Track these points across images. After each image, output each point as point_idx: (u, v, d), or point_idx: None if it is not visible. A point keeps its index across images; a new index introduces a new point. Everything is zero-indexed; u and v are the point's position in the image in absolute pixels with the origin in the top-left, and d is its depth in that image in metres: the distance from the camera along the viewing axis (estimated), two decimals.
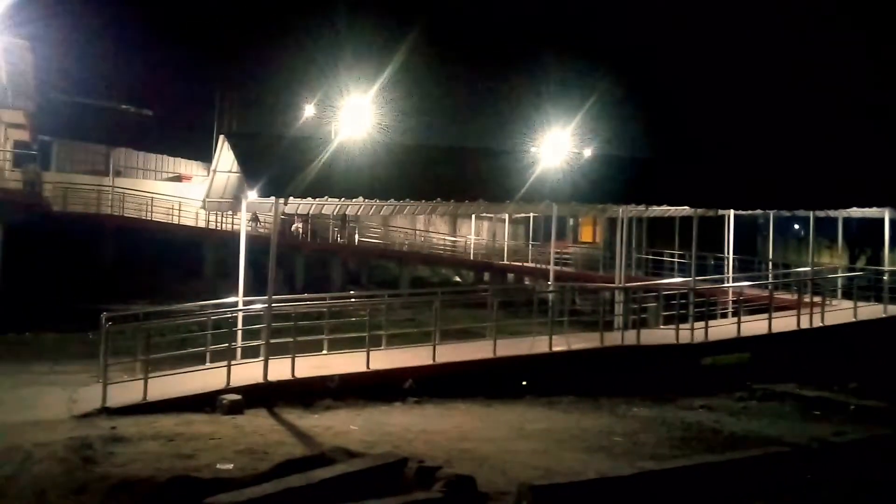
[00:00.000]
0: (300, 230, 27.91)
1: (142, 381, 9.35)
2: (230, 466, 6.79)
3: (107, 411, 8.82)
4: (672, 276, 20.86)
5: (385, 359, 11.33)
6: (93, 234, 24.47)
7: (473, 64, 36.62)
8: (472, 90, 36.44)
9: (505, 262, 29.73)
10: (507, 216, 28.80)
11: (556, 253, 17.68)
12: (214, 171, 12.31)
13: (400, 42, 31.93)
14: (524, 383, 11.34)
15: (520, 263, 29.20)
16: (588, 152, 18.38)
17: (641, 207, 15.95)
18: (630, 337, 12.92)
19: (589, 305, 19.37)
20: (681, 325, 13.44)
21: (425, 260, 30.36)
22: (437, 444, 8.03)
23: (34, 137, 23.95)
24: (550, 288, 15.33)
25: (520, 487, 5.72)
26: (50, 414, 8.89)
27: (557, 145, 15.00)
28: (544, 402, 10.92)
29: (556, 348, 12.27)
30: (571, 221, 31.88)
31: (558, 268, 19.47)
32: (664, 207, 16.15)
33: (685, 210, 15.87)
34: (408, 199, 13.09)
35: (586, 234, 33.07)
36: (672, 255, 23.28)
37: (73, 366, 11.97)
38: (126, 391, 9.33)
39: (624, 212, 15.71)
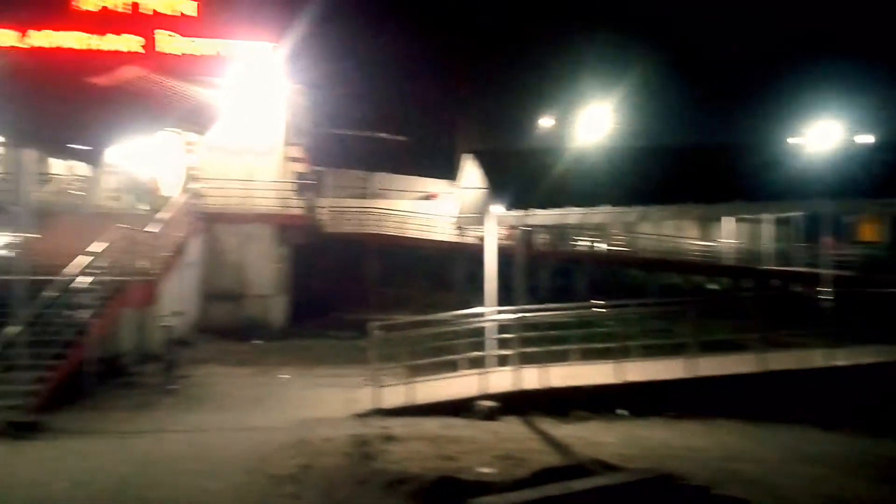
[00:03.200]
0: (541, 240, 28.22)
1: (407, 385, 10.11)
2: (490, 470, 7.03)
3: (379, 412, 9.65)
4: None
5: (637, 370, 10.94)
6: (358, 251, 27.16)
7: (718, 59, 34.34)
8: (717, 86, 34.16)
9: (768, 266, 27.19)
10: (768, 216, 26.33)
11: (831, 255, 15.78)
12: (463, 187, 12.95)
13: (638, 44, 31.03)
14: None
15: (785, 268, 26.50)
16: (865, 140, 16.13)
17: None
18: None
19: (874, 315, 16.84)
20: None
21: (675, 267, 28.88)
22: (702, 463, 7.54)
23: (310, 169, 27.34)
24: (825, 294, 13.64)
25: None
26: (332, 412, 10.00)
27: (826, 135, 13.36)
28: (823, 423, 9.72)
29: (836, 362, 10.88)
30: (847, 218, 28.19)
31: (833, 271, 17.29)
32: None
33: None
34: (654, 205, 12.56)
35: (867, 233, 29.02)
36: None
37: (347, 369, 13.28)
38: (393, 394, 10.11)
39: None
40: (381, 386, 10.06)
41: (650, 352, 12.08)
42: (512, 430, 9.19)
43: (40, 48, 19.72)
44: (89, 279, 11.19)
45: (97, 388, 10.73)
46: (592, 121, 29.18)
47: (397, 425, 8.95)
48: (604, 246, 29.74)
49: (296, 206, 21.78)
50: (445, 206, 27.74)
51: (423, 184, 32.30)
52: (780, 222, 28.73)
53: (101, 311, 11.46)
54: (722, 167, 12.60)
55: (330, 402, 10.77)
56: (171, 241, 15.52)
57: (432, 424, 9.11)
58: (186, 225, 16.93)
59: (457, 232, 24.73)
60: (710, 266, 28.92)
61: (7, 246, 14.22)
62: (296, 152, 24.17)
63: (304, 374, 13.34)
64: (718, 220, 28.77)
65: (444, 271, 27.20)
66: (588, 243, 29.59)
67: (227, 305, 18.88)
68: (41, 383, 9.51)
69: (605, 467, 6.66)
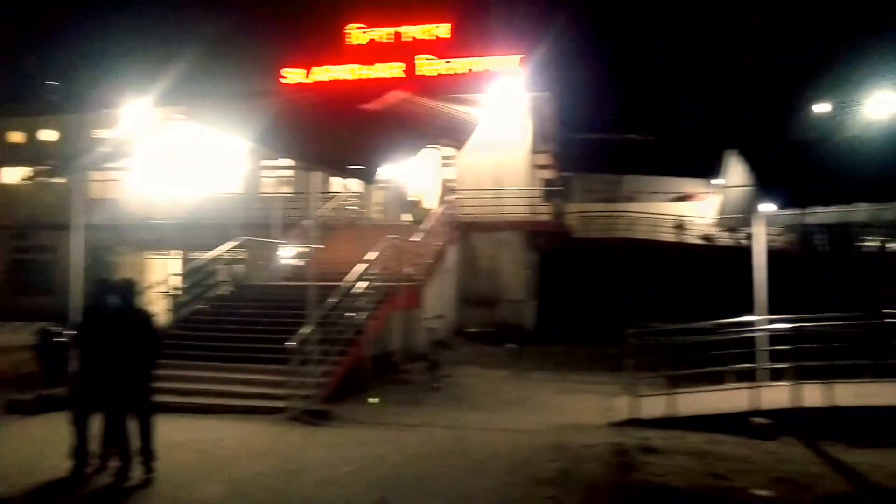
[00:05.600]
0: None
1: (666, 396, 9.64)
2: (767, 493, 6.42)
3: (637, 422, 9.33)
4: None
5: None
6: (608, 256, 26.66)
7: None
8: None
9: None
10: None
11: None
12: (724, 186, 12.09)
13: None
14: None
15: None
16: None
17: None
18: None
19: None
20: None
21: None
22: None
23: (557, 174, 27.52)
24: None
25: None
26: (587, 419, 9.89)
27: None
28: None
29: None
30: None
31: None
32: None
33: None
34: None
35: None
36: None
37: (602, 376, 13.10)
38: (651, 404, 9.71)
39: None
40: (639, 395, 9.72)
41: None
42: (790, 450, 8.29)
43: (319, 82, 22.46)
44: (365, 284, 12.39)
45: (372, 383, 11.84)
46: (879, 103, 25.44)
47: (658, 437, 8.58)
48: None
49: (544, 213, 22.04)
50: (703, 207, 26.18)
51: (678, 184, 30.80)
52: None
53: (374, 313, 12.64)
54: None
55: (585, 408, 10.69)
56: (431, 249, 16.62)
57: (697, 439, 8.58)
58: (444, 234, 18.00)
59: (716, 234, 23.20)
60: None
61: (297, 256, 16.40)
62: (543, 159, 24.48)
63: (557, 380, 13.41)
64: None
65: (701, 277, 25.56)
66: (877, 243, 25.86)
67: (481, 310, 19.69)
68: (328, 377, 10.73)
69: None
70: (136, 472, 6.87)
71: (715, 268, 23.88)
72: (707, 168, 25.33)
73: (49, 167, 12.31)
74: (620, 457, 7.48)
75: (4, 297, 24.34)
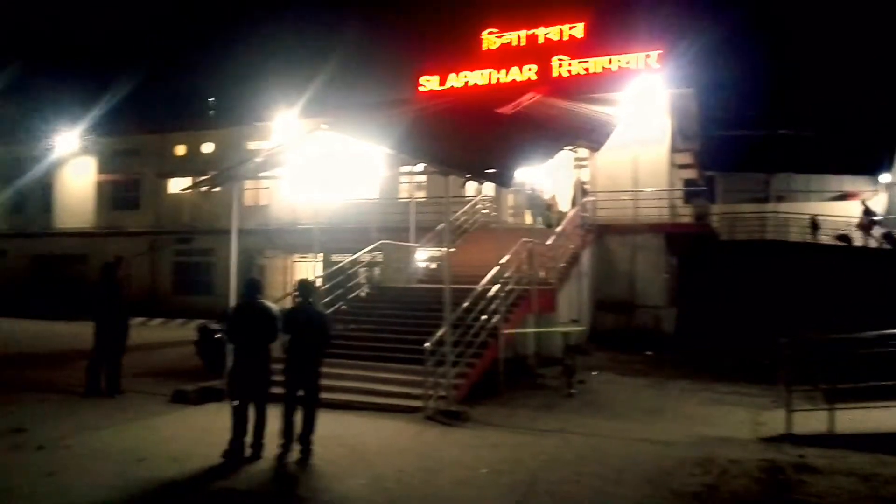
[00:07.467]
0: None
1: (825, 412, 8.88)
2: None
3: (791, 438, 8.67)
4: None
5: None
6: (756, 260, 25.00)
7: None
8: None
9: None
10: None
11: None
12: (890, 184, 10.97)
13: None
14: None
15: None
16: None
17: None
18: None
19: None
20: None
21: None
22: None
23: (700, 174, 26.20)
24: None
25: None
26: (736, 433, 9.31)
27: None
28: None
29: None
30: None
31: None
32: None
33: None
34: None
35: None
36: None
37: (751, 388, 12.33)
38: (807, 420, 8.98)
39: None
40: (793, 409, 9.02)
41: None
42: None
43: (455, 88, 22.81)
44: (499, 287, 12.40)
45: (506, 386, 11.82)
46: None
47: (815, 455, 7.92)
48: None
49: (685, 215, 21.08)
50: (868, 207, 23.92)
51: (837, 182, 28.39)
52: None
53: (508, 316, 12.61)
54: None
55: (730, 421, 10.10)
56: (565, 252, 16.36)
57: (861, 459, 7.83)
58: (578, 237, 17.66)
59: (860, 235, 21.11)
60: None
61: (432, 259, 16.73)
62: (684, 158, 23.42)
63: (700, 390, 12.76)
64: None
65: (866, 282, 23.36)
66: None
67: (617, 315, 19.14)
68: (463, 378, 10.84)
69: None
70: (293, 460, 7.38)
71: (879, 272, 21.76)
72: (872, 164, 23.18)
73: (208, 177, 13.40)
74: (773, 474, 6.96)
75: (169, 296, 26.79)
